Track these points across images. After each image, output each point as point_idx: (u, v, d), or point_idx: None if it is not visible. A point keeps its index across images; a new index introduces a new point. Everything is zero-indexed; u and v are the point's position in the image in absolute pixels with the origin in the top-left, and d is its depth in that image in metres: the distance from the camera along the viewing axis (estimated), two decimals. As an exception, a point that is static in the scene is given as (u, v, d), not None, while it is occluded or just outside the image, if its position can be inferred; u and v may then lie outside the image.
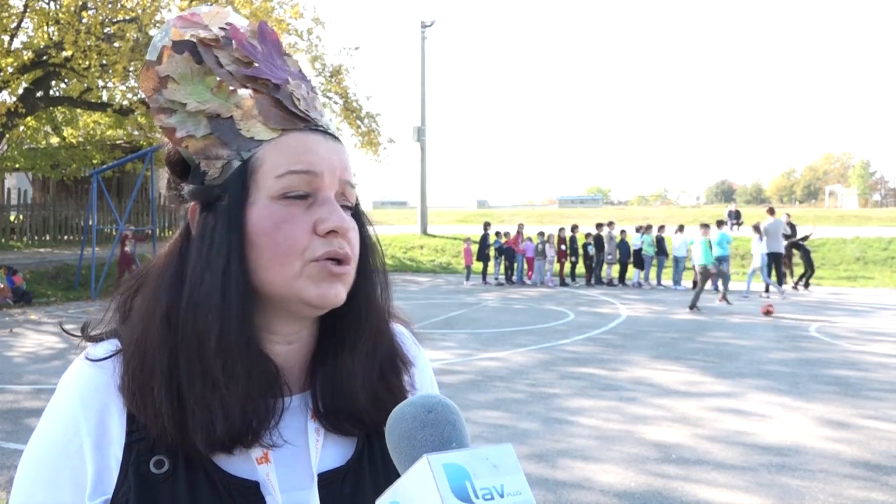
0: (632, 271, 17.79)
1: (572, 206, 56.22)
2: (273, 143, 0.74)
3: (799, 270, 18.31)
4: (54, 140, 23.19)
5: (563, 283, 17.82)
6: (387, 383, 0.81)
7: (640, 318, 11.91)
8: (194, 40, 0.76)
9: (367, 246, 0.82)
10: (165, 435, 0.70)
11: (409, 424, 0.61)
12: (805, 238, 16.66)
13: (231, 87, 0.76)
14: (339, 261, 0.74)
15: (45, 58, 15.15)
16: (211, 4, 0.80)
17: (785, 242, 16.21)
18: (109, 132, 22.90)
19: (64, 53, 14.66)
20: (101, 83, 16.64)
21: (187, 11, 0.78)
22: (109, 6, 15.13)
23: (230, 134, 0.75)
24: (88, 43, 14.17)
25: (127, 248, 15.16)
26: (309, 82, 0.81)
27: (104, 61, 14.68)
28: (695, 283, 16.70)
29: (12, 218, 21.62)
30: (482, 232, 18.23)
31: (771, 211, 15.48)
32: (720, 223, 16.65)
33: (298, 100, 0.76)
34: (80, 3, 14.94)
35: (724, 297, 13.55)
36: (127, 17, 15.28)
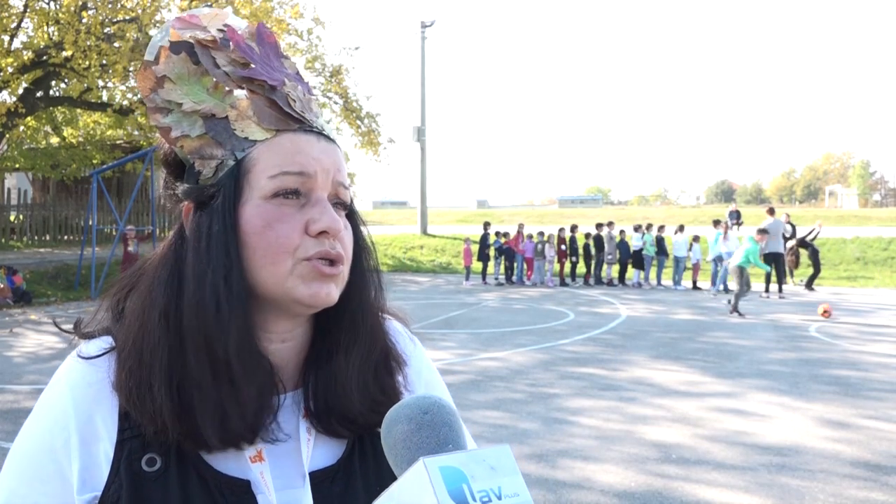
0: (632, 271, 17.78)
1: (572, 206, 56.19)
2: (267, 143, 0.75)
3: (802, 271, 18.32)
4: (54, 140, 23.19)
5: (563, 283, 17.82)
6: (381, 385, 0.81)
7: (640, 318, 11.90)
8: (192, 41, 0.76)
9: (361, 246, 0.82)
10: (166, 431, 0.70)
11: (405, 426, 0.60)
12: (813, 236, 16.60)
13: (227, 88, 0.76)
14: (331, 261, 0.74)
15: (45, 58, 15.15)
16: (210, 5, 0.80)
17: (793, 241, 16.22)
18: (109, 132, 22.90)
19: (64, 53, 14.67)
20: (101, 83, 16.65)
21: (186, 13, 0.79)
22: (109, 6, 15.13)
23: (225, 134, 0.75)
24: (88, 43, 14.18)
25: (130, 248, 15.15)
26: (306, 84, 0.82)
27: (104, 61, 14.68)
28: (695, 283, 16.76)
29: (12, 218, 21.62)
30: (482, 232, 18.22)
31: (771, 211, 15.48)
32: (717, 223, 16.70)
33: (294, 101, 0.77)
34: (80, 3, 14.94)
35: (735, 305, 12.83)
36: (127, 17, 15.28)
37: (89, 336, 0.79)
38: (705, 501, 4.03)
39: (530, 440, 5.12)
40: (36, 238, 21.34)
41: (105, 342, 0.77)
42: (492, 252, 18.00)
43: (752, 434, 5.29)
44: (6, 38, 15.37)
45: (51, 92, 18.42)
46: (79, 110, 21.15)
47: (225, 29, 0.78)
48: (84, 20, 14.56)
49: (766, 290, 14.88)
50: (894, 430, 5.38)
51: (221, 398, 0.71)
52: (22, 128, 19.29)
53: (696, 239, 17.03)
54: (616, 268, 18.04)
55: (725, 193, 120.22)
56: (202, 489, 0.71)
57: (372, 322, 0.83)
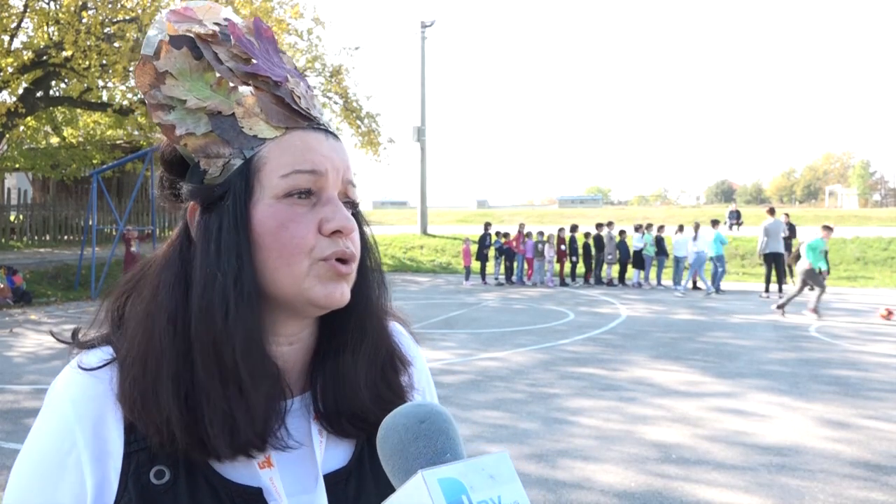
0: (631, 271, 17.78)
1: (572, 206, 56.11)
2: (276, 141, 0.73)
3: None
4: (54, 140, 23.17)
5: (563, 283, 17.82)
6: (388, 383, 0.81)
7: (640, 318, 11.90)
8: (192, 35, 0.74)
9: (366, 246, 0.81)
10: (174, 441, 0.68)
11: (402, 436, 0.59)
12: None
13: (231, 84, 0.74)
14: (344, 261, 0.73)
15: (45, 58, 15.15)
16: (206, 1, 0.79)
17: (800, 242, 16.15)
18: (109, 132, 22.89)
19: (64, 53, 14.66)
20: (101, 83, 16.64)
21: (181, 6, 0.77)
22: (109, 6, 15.13)
23: (232, 132, 0.73)
24: (88, 43, 14.17)
25: (133, 248, 15.15)
26: (306, 80, 0.80)
27: (104, 61, 14.68)
28: (695, 283, 16.76)
29: (12, 218, 21.62)
30: (482, 232, 18.23)
31: (771, 211, 15.48)
32: (715, 223, 16.71)
33: (299, 98, 0.75)
34: (80, 3, 14.94)
35: (816, 309, 12.02)
36: (127, 17, 15.28)
37: (88, 346, 0.76)
38: (705, 501, 4.03)
39: (530, 440, 5.12)
40: (36, 238, 21.34)
41: (105, 353, 0.74)
42: (492, 252, 18.01)
43: (752, 434, 5.29)
44: (6, 38, 15.37)
45: (51, 92, 18.41)
46: (79, 110, 21.14)
47: (225, 23, 0.76)
48: (84, 20, 14.56)
49: (766, 290, 14.89)
50: (894, 430, 5.38)
51: (230, 406, 0.69)
52: (22, 128, 19.28)
53: (695, 238, 17.06)
54: (616, 268, 18.04)
55: (725, 193, 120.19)
56: (213, 499, 0.70)
57: (377, 321, 0.82)
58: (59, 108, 20.50)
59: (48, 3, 16.10)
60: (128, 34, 14.17)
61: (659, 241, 17.22)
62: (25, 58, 15.35)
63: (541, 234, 17.85)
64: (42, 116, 20.86)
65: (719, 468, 4.56)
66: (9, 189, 24.07)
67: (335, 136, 0.78)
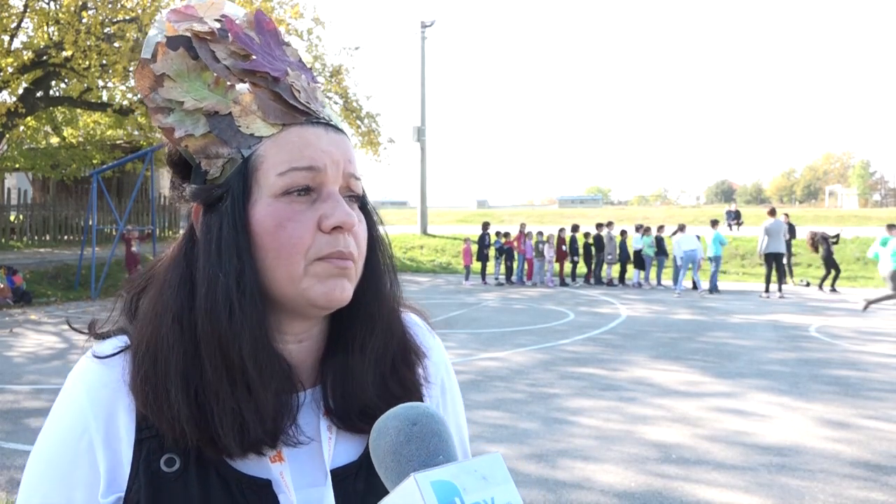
0: (632, 271, 17.78)
1: (572, 206, 56.17)
2: (273, 138, 0.72)
3: (801, 271, 18.31)
4: (54, 140, 23.17)
5: (563, 283, 17.82)
6: (399, 379, 0.80)
7: (640, 318, 11.90)
8: (189, 35, 0.73)
9: (375, 239, 0.80)
10: (185, 438, 0.69)
11: (394, 439, 0.59)
12: (836, 240, 16.49)
13: (229, 83, 0.73)
14: (344, 257, 0.73)
15: (45, 58, 15.14)
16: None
17: (832, 239, 16.07)
18: (109, 132, 22.89)
19: (64, 53, 14.65)
20: (101, 83, 16.63)
21: (182, 4, 0.76)
22: (109, 6, 15.12)
23: (229, 131, 0.72)
24: (88, 43, 14.16)
25: (133, 248, 15.15)
26: (309, 71, 0.79)
27: (104, 61, 14.67)
28: (694, 283, 16.73)
29: (12, 218, 21.60)
30: (481, 232, 18.23)
31: (772, 212, 15.49)
32: (714, 223, 16.72)
33: (298, 91, 0.74)
34: (80, 3, 14.92)
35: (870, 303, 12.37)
36: (127, 17, 15.27)
37: (104, 336, 0.77)
38: (705, 501, 4.03)
39: (530, 440, 5.12)
40: (36, 238, 21.33)
41: (120, 341, 0.75)
42: (492, 252, 18.00)
43: (752, 434, 5.29)
44: (6, 38, 15.36)
45: (51, 92, 18.41)
46: (79, 110, 21.13)
47: (223, 20, 0.75)
48: (84, 20, 14.54)
49: (766, 290, 14.89)
50: (894, 430, 5.38)
51: (240, 406, 0.69)
52: (22, 128, 19.28)
53: (696, 238, 17.08)
54: (616, 268, 18.04)
55: (725, 193, 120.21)
56: (223, 489, 0.70)
57: (388, 315, 0.81)
58: (59, 108, 20.50)
59: (48, 3, 16.09)
60: (128, 34, 14.17)
61: (659, 242, 17.22)
62: (25, 58, 15.34)
63: (540, 234, 17.85)
64: (42, 116, 20.86)
65: (719, 468, 4.56)
66: (9, 189, 24.04)
67: (337, 128, 0.76)
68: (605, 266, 17.98)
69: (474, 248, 18.33)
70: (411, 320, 0.88)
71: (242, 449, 0.70)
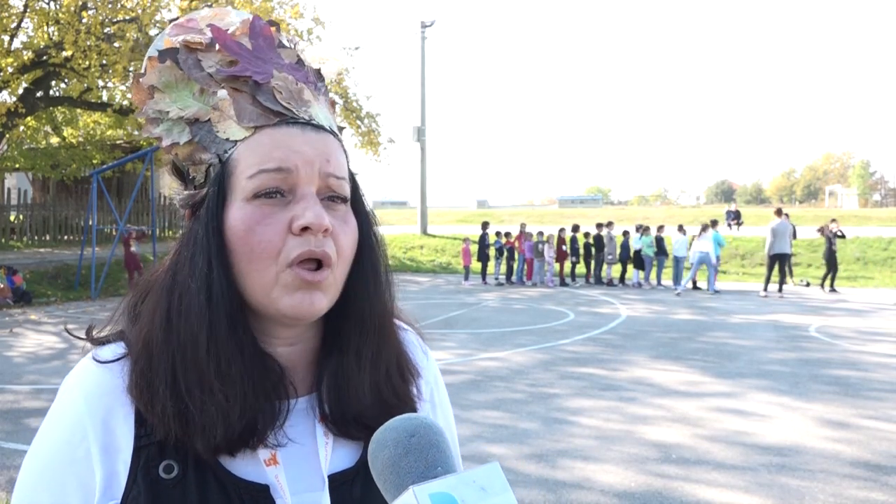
0: (632, 271, 17.78)
1: (572, 206, 56.11)
2: (246, 142, 0.72)
3: (801, 271, 18.30)
4: (54, 140, 23.19)
5: (563, 283, 17.82)
6: (393, 388, 0.80)
7: (640, 318, 11.90)
8: (179, 46, 0.74)
9: (366, 243, 0.79)
10: (171, 435, 0.70)
11: (392, 451, 0.59)
12: (842, 235, 16.48)
13: (211, 90, 0.74)
14: (317, 263, 0.71)
15: (45, 58, 15.15)
16: (211, 5, 0.79)
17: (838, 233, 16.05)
18: (109, 132, 22.91)
19: (64, 53, 14.66)
20: (101, 83, 16.66)
21: (184, 18, 0.77)
22: (109, 6, 15.12)
23: (209, 137, 0.73)
24: (88, 43, 14.17)
25: (133, 249, 15.15)
26: (304, 72, 0.78)
27: (104, 61, 14.68)
28: (694, 283, 16.73)
29: (12, 218, 21.61)
30: (481, 232, 18.22)
31: (778, 212, 15.55)
32: (714, 223, 16.71)
33: (279, 93, 0.74)
34: (80, 3, 14.93)
35: None
36: (127, 17, 15.27)
37: (102, 342, 0.77)
38: (705, 501, 4.03)
39: (530, 440, 5.12)
40: (36, 238, 21.33)
41: (120, 347, 0.75)
42: (492, 252, 18.00)
43: (752, 434, 5.29)
44: (6, 38, 15.37)
45: (51, 92, 18.42)
46: (79, 110, 21.15)
47: (210, 29, 0.76)
48: (84, 20, 14.55)
49: (765, 290, 14.90)
50: (894, 430, 5.38)
51: (223, 404, 0.70)
52: (22, 128, 19.29)
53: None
54: (616, 268, 18.04)
55: (725, 193, 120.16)
56: (221, 494, 0.70)
57: (381, 322, 0.80)
58: (59, 108, 20.51)
59: (48, 3, 16.09)
60: (128, 34, 14.17)
61: (659, 242, 17.22)
62: (25, 58, 15.35)
63: (540, 234, 17.85)
64: (42, 116, 20.87)
65: (719, 468, 4.56)
66: (9, 189, 24.06)
67: (317, 127, 0.74)
68: (605, 266, 17.99)
69: (474, 248, 18.33)
70: (408, 338, 0.88)
71: (211, 451, 0.70)
